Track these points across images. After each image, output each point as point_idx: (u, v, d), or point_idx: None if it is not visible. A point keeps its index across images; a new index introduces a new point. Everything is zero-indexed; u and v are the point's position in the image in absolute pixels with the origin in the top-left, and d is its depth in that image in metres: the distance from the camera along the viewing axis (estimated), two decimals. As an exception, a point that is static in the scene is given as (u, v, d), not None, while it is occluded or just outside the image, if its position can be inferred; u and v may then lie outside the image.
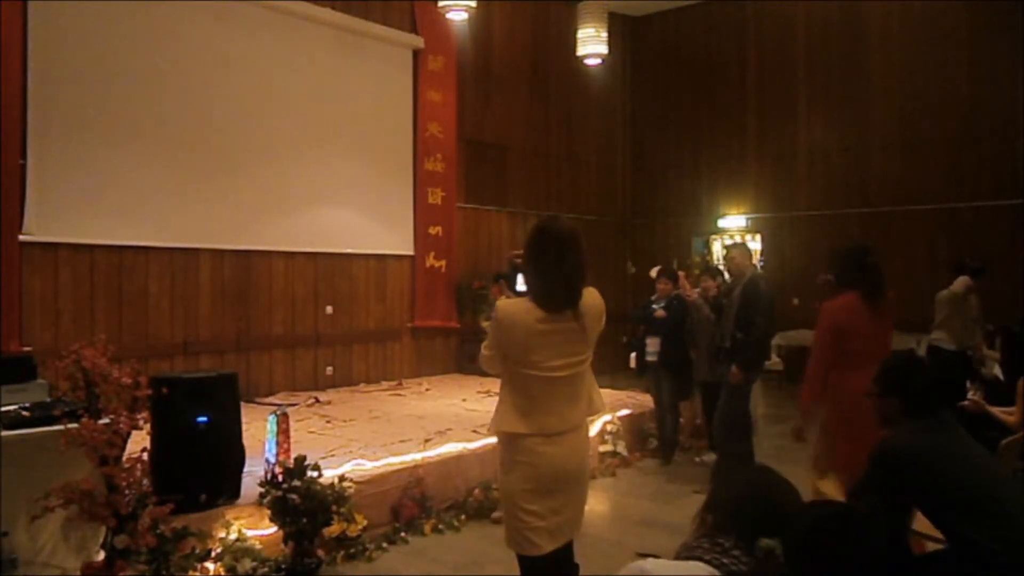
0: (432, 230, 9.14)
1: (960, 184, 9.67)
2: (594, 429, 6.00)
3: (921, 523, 2.65)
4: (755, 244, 11.38)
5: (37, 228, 6.11)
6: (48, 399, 3.86)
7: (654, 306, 6.59)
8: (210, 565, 3.78)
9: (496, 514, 4.84)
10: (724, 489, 1.99)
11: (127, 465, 3.49)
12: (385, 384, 8.43)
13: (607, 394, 3.38)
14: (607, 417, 6.25)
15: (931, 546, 2.73)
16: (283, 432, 4.57)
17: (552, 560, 2.77)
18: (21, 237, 6.01)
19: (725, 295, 6.05)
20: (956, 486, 2.45)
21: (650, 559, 1.87)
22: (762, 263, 11.14)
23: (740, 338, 5.70)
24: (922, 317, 9.06)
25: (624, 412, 6.71)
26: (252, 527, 4.08)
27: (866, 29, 10.36)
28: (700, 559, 1.81)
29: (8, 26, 5.90)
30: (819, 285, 4.24)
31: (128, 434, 3.54)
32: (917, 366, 2.79)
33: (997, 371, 5.57)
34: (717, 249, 11.55)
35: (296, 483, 4.06)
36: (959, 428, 2.66)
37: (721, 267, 7.13)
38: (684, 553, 1.87)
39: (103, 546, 3.55)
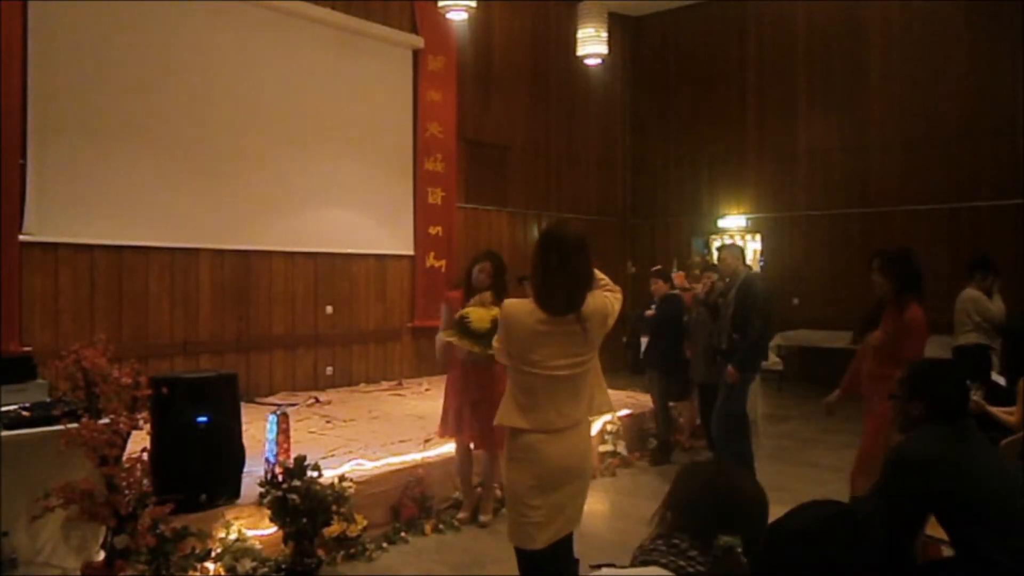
0: (432, 230, 9.14)
1: (960, 184, 9.67)
2: (594, 429, 6.00)
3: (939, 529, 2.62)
4: (755, 244, 11.39)
5: (37, 228, 6.11)
6: (48, 399, 3.87)
7: (651, 306, 6.61)
8: (210, 565, 3.78)
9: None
10: (685, 485, 1.89)
11: (127, 465, 3.49)
12: (385, 384, 8.43)
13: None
14: (607, 417, 6.25)
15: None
16: (283, 432, 4.58)
17: (550, 553, 2.83)
18: (21, 237, 6.01)
19: (721, 296, 6.04)
20: (970, 496, 2.43)
21: (604, 568, 1.83)
22: (762, 263, 11.14)
23: (736, 339, 5.70)
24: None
25: (624, 412, 6.72)
26: (252, 527, 4.08)
27: (866, 29, 10.36)
28: (656, 563, 1.73)
29: (8, 26, 5.90)
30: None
31: (128, 434, 3.54)
32: (949, 373, 2.74)
33: (997, 377, 5.54)
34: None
35: (296, 483, 4.06)
36: (980, 436, 2.64)
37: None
38: (641, 557, 1.78)
39: (103, 546, 3.55)
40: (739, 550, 1.69)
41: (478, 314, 4.46)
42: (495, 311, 4.33)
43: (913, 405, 2.66)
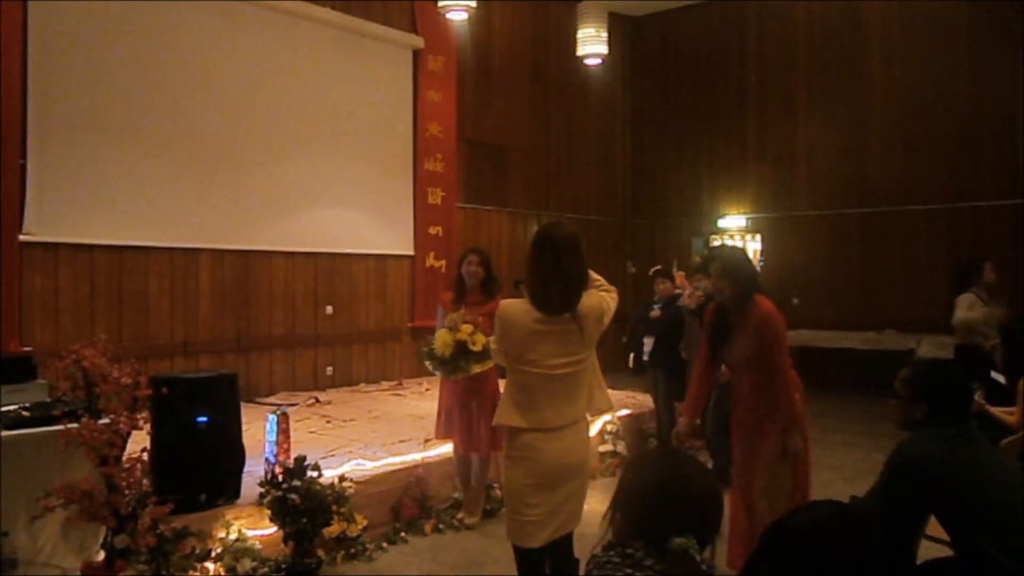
0: (432, 230, 9.14)
1: (960, 184, 9.67)
2: (594, 429, 6.00)
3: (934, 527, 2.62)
4: (755, 244, 11.38)
5: (37, 228, 6.11)
6: (48, 399, 3.86)
7: (654, 306, 6.59)
8: (210, 565, 3.78)
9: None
10: (634, 484, 1.76)
11: (127, 465, 3.49)
12: (385, 384, 8.43)
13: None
14: (607, 417, 6.25)
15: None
16: (283, 432, 4.57)
17: (547, 551, 2.87)
18: (21, 237, 6.00)
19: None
20: (971, 496, 2.43)
21: None
22: (762, 263, 11.14)
23: None
24: (923, 317, 9.08)
25: (624, 412, 6.72)
26: (252, 527, 4.08)
27: (866, 29, 10.36)
28: None
29: (8, 26, 5.90)
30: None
31: (128, 434, 3.54)
32: (953, 374, 2.74)
33: (997, 375, 5.55)
34: (717, 249, 11.53)
35: (296, 483, 4.06)
36: (981, 437, 2.64)
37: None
38: (595, 572, 1.68)
39: (103, 546, 3.55)
40: (693, 552, 1.63)
41: (442, 339, 4.52)
42: (463, 334, 4.38)
43: (916, 406, 2.66)
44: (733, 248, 4.11)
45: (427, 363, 4.67)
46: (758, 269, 3.70)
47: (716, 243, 11.43)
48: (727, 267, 3.79)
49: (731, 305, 3.75)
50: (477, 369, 4.49)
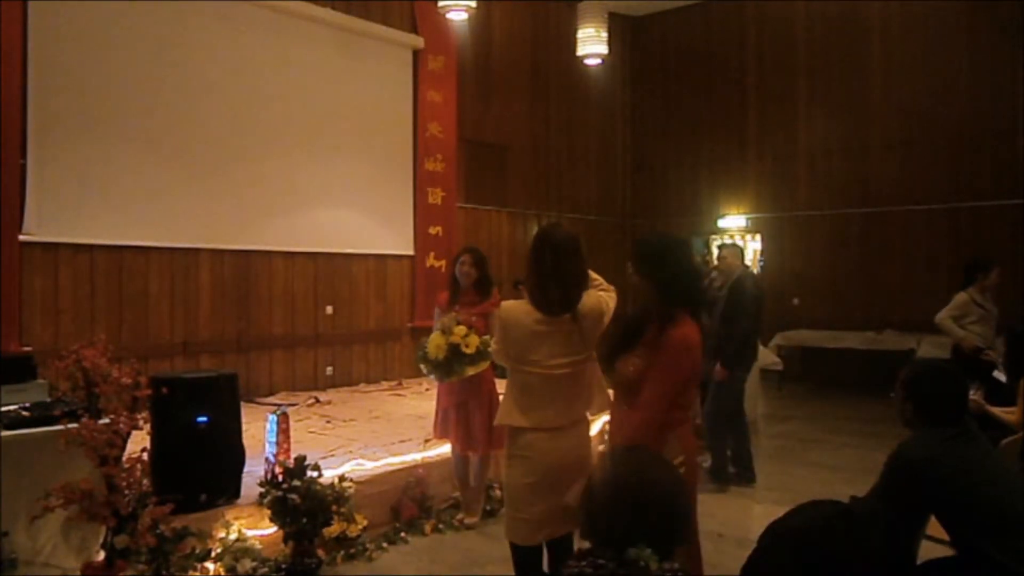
0: (432, 230, 9.14)
1: (960, 184, 9.68)
2: (594, 429, 5.99)
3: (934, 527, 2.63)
4: (755, 244, 11.39)
5: (37, 228, 6.11)
6: (48, 399, 3.86)
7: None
8: (210, 565, 3.78)
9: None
10: (597, 483, 1.67)
11: (127, 465, 3.48)
12: (385, 384, 8.43)
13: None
14: (607, 417, 6.23)
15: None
16: (283, 432, 4.58)
17: (548, 550, 2.88)
18: (21, 237, 6.00)
19: (718, 290, 6.05)
20: (970, 497, 2.44)
21: None
22: (762, 263, 11.15)
23: (723, 336, 5.73)
24: (922, 317, 9.07)
25: (624, 412, 6.71)
26: (252, 527, 4.08)
27: (866, 29, 10.37)
28: None
29: (8, 26, 5.89)
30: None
31: (128, 434, 3.53)
32: (943, 375, 2.73)
33: (998, 373, 5.54)
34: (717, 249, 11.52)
35: (296, 483, 4.06)
36: (981, 438, 2.65)
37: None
38: None
39: (103, 546, 3.55)
40: (651, 563, 1.57)
41: (435, 342, 4.49)
42: (455, 336, 4.38)
43: (906, 406, 2.69)
44: (665, 238, 2.88)
45: (422, 367, 4.66)
46: (707, 275, 2.56)
47: (719, 242, 11.41)
48: (646, 257, 2.72)
49: (649, 309, 2.69)
50: (471, 371, 4.48)
